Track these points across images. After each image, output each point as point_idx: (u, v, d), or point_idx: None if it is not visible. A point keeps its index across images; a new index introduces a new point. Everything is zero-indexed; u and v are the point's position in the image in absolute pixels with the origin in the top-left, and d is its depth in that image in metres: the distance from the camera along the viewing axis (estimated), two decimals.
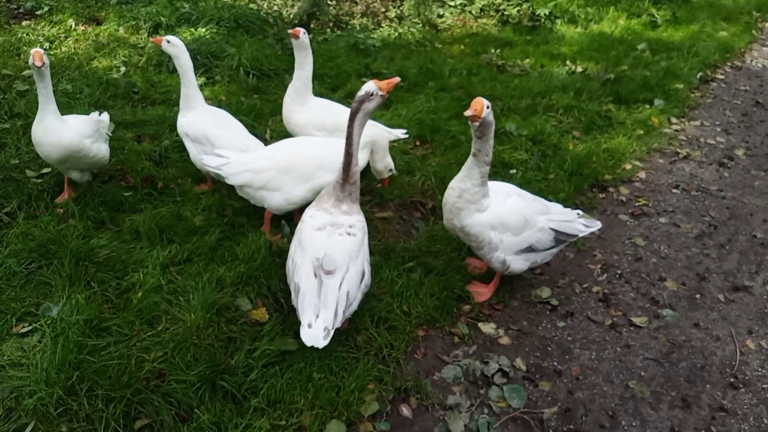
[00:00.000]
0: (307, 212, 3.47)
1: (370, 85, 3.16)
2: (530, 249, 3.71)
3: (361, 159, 3.99)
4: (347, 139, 3.23)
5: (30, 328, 3.37)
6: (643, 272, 4.38)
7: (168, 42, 4.44)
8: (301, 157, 3.99)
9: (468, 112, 3.21)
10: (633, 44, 9.02)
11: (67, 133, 4.09)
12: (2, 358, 3.15)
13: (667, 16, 10.38)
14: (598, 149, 5.77)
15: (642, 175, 5.63)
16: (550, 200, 4.10)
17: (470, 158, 3.44)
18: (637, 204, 5.19)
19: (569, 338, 3.75)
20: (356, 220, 3.37)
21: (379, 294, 3.77)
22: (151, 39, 4.56)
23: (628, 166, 5.69)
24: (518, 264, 3.75)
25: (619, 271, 4.37)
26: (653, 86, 7.36)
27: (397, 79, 3.33)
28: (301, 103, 4.67)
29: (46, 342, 3.21)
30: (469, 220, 3.55)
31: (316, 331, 2.97)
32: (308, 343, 2.96)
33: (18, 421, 2.82)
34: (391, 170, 4.67)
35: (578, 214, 3.94)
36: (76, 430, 2.81)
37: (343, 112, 4.69)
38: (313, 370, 3.17)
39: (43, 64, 3.85)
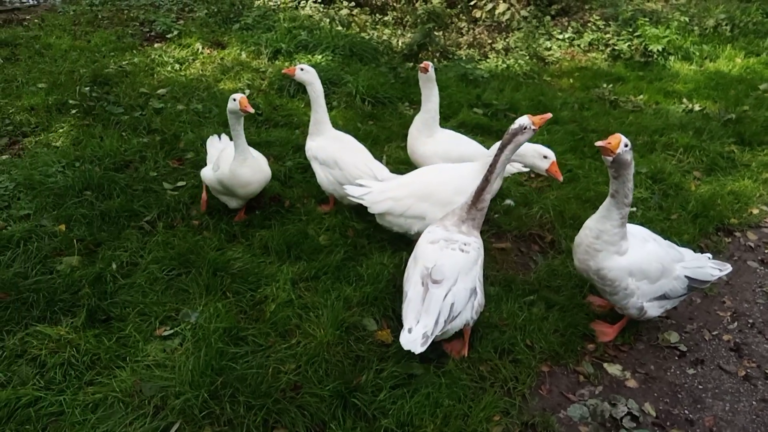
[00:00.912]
0: (429, 227, 3.58)
1: (524, 120, 3.26)
2: (663, 296, 3.61)
3: (496, 184, 4.01)
4: (490, 166, 3.31)
5: (172, 331, 3.58)
6: None
7: (302, 70, 4.66)
8: (437, 182, 4.06)
9: (600, 143, 3.16)
10: (753, 84, 8.63)
11: (266, 166, 4.50)
12: (148, 358, 3.36)
13: None
14: (723, 191, 5.55)
15: None
16: (677, 243, 4.00)
17: (608, 199, 3.35)
18: (766, 251, 4.94)
19: (700, 387, 3.60)
20: (472, 240, 3.45)
21: (501, 325, 3.76)
22: (283, 71, 4.79)
23: (756, 211, 5.43)
24: (654, 311, 3.64)
25: (750, 320, 4.15)
26: None
27: (549, 115, 3.48)
28: (429, 135, 4.74)
29: (188, 346, 3.41)
30: (608, 263, 3.43)
31: (414, 336, 3.03)
32: (405, 347, 3.02)
33: (164, 420, 3.00)
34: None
35: (708, 257, 3.81)
36: None
37: (469, 144, 4.76)
38: (442, 396, 3.19)
39: (250, 111, 4.10)
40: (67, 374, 3.24)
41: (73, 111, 6.16)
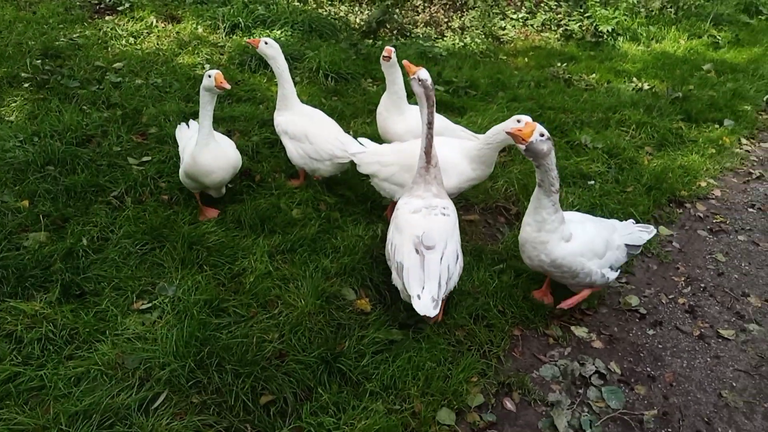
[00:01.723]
0: (401, 201, 3.73)
1: (423, 73, 3.60)
2: (610, 268, 3.77)
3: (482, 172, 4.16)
4: (428, 125, 3.56)
5: (150, 305, 3.57)
6: (726, 287, 4.44)
7: (266, 44, 4.63)
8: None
9: (510, 130, 3.23)
10: (697, 64, 9.05)
11: (232, 152, 4.17)
12: (127, 331, 3.35)
13: (729, 38, 10.37)
14: (673, 165, 5.84)
15: (717, 192, 5.68)
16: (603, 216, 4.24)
17: (536, 189, 3.41)
18: (714, 221, 5.25)
19: (660, 346, 3.84)
20: (448, 203, 3.68)
21: (474, 293, 3.90)
22: (246, 40, 4.73)
23: (703, 183, 5.75)
24: (612, 275, 3.78)
25: (702, 285, 4.44)
26: (722, 107, 7.39)
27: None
28: (398, 113, 4.75)
29: (168, 319, 3.41)
30: (559, 251, 3.50)
31: (425, 301, 3.18)
32: (421, 312, 3.16)
33: (151, 390, 3.01)
34: None
35: (632, 222, 4.02)
36: (207, 401, 2.99)
37: (438, 119, 4.84)
38: (423, 359, 3.31)
39: (227, 87, 3.82)
40: (45, 349, 3.19)
41: (26, 84, 5.93)
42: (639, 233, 3.90)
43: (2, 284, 3.53)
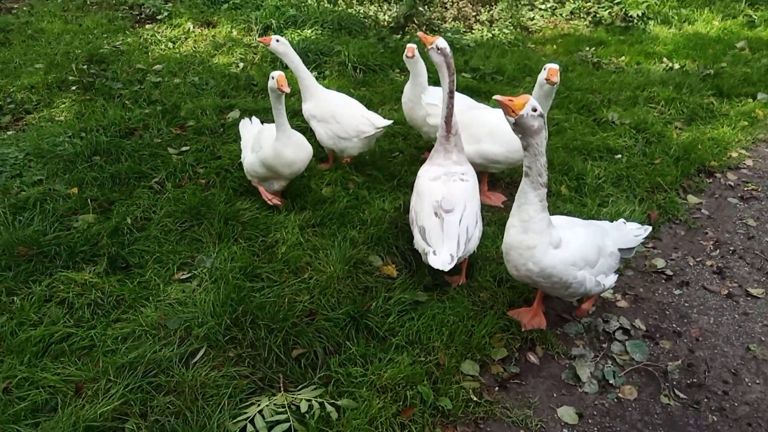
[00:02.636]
0: (422, 169, 3.90)
1: (441, 42, 3.77)
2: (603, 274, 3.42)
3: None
4: (449, 94, 3.72)
5: (189, 275, 3.79)
6: (757, 250, 4.42)
7: (277, 41, 4.85)
8: (477, 121, 4.41)
9: (500, 98, 2.84)
10: (730, 43, 8.91)
11: (307, 143, 4.36)
12: (169, 297, 3.57)
13: (766, 17, 10.16)
14: (703, 137, 5.81)
15: (749, 162, 5.63)
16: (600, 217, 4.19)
17: (523, 179, 3.04)
18: (746, 188, 5.21)
19: (686, 304, 3.86)
20: (467, 169, 3.82)
21: (498, 258, 4.00)
22: (258, 39, 4.96)
23: (734, 154, 5.71)
24: (609, 281, 3.44)
25: (731, 248, 4.43)
26: (755, 81, 7.28)
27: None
28: (421, 102, 4.90)
29: (206, 286, 3.62)
30: (548, 259, 3.10)
31: (442, 257, 3.34)
32: (435, 266, 3.31)
33: (191, 346, 3.21)
34: None
35: (623, 222, 3.67)
36: (242, 354, 3.18)
37: (461, 97, 4.96)
38: (447, 316, 3.43)
39: (286, 91, 3.96)
40: (94, 313, 3.44)
41: (73, 87, 6.32)
42: (632, 235, 3.56)
43: (55, 259, 3.81)
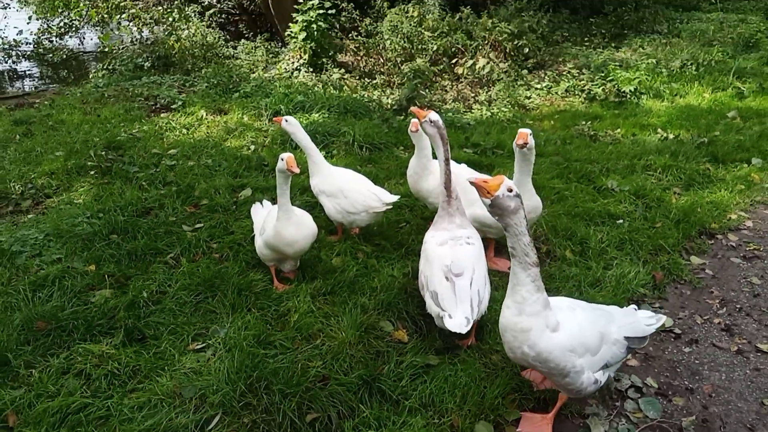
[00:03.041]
0: (428, 235, 4.05)
1: (434, 115, 4.04)
2: (605, 366, 3.19)
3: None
4: (446, 161, 3.94)
5: (203, 345, 3.87)
6: (763, 307, 4.46)
7: (287, 121, 5.14)
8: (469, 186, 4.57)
9: (474, 180, 2.86)
10: (722, 113, 9.24)
11: (311, 222, 4.43)
12: (184, 367, 3.63)
13: (754, 88, 10.57)
14: (702, 201, 5.96)
15: (749, 223, 5.75)
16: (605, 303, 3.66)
17: (511, 260, 2.98)
18: (747, 248, 5.30)
19: (696, 361, 3.88)
20: (472, 232, 3.96)
21: None
22: (273, 119, 5.29)
23: (734, 216, 5.83)
24: (604, 378, 3.21)
25: (738, 306, 4.47)
26: (749, 147, 7.51)
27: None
28: (427, 172, 5.07)
29: (221, 354, 3.69)
30: (544, 343, 2.96)
31: (458, 320, 3.42)
32: (453, 329, 3.39)
33: (206, 413, 3.25)
34: None
35: (635, 308, 3.49)
36: (257, 420, 3.21)
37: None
38: (459, 379, 3.46)
39: (296, 171, 4.05)
40: (111, 384, 3.50)
41: (92, 172, 6.60)
42: (643, 323, 3.32)
43: (73, 333, 3.90)
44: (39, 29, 16.21)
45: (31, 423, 3.21)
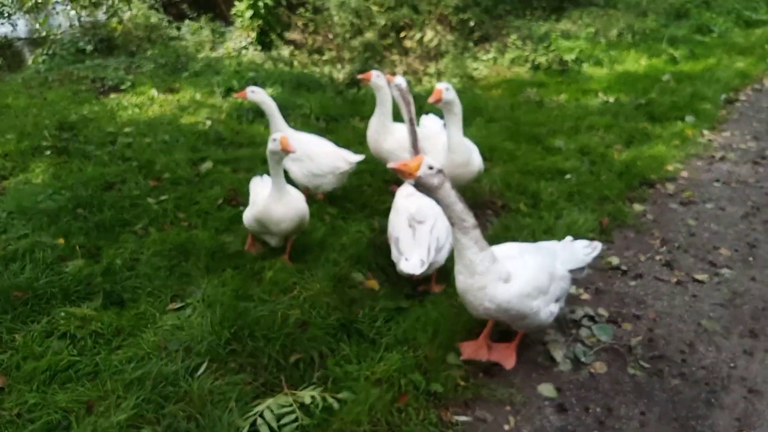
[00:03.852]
0: (399, 189, 4.32)
1: (398, 79, 4.41)
2: (556, 300, 3.44)
3: None
4: (410, 122, 4.26)
5: (182, 305, 4.00)
6: (698, 244, 4.89)
7: (252, 92, 5.25)
8: (429, 141, 5.01)
9: (394, 165, 2.96)
10: (657, 77, 9.78)
11: (302, 204, 4.33)
12: (166, 324, 3.77)
13: (685, 54, 11.18)
14: (642, 155, 6.40)
15: (685, 174, 6.22)
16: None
17: (452, 229, 3.12)
18: (684, 196, 5.75)
19: (641, 293, 4.26)
20: None
21: None
22: (235, 95, 5.38)
23: (671, 168, 6.29)
24: (557, 309, 3.45)
25: (676, 244, 4.89)
26: (682, 107, 8.04)
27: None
28: (387, 132, 5.30)
29: (202, 310, 3.83)
30: (502, 295, 3.13)
31: (413, 262, 3.67)
32: (407, 270, 3.66)
33: (193, 361, 3.41)
34: None
35: (570, 239, 3.74)
36: (243, 364, 3.39)
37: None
38: (431, 317, 3.73)
39: (293, 151, 4.01)
40: (96, 343, 3.61)
41: (47, 152, 6.53)
42: (581, 254, 3.59)
43: (51, 300, 3.97)
44: None
45: (22, 381, 3.30)
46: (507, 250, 3.42)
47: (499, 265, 3.17)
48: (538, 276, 3.26)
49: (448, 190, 2.97)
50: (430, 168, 2.91)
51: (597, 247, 3.67)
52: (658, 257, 4.70)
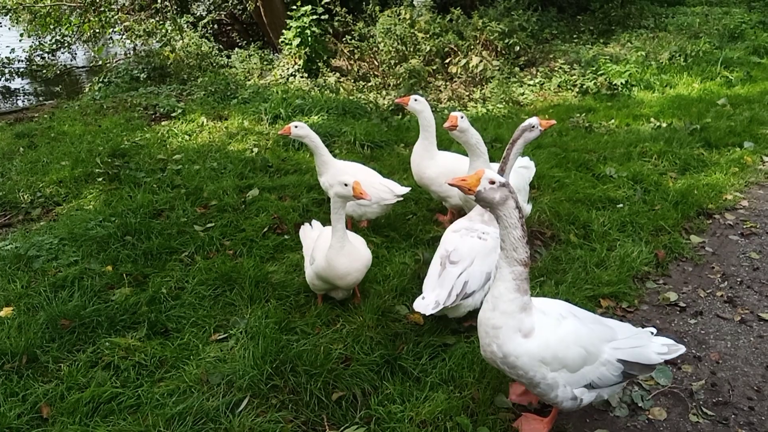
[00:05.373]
0: (455, 221, 4.11)
1: (533, 120, 3.88)
2: (590, 386, 2.90)
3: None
4: (504, 158, 3.90)
5: (225, 335, 3.98)
6: (763, 279, 4.61)
7: (296, 127, 5.25)
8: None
9: (453, 181, 2.78)
10: (712, 101, 9.45)
11: (365, 250, 4.06)
12: (209, 356, 3.74)
13: (741, 76, 10.79)
14: (698, 183, 6.13)
15: (744, 203, 5.92)
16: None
17: (500, 254, 2.83)
18: (744, 226, 5.46)
19: (702, 332, 4.02)
20: (491, 230, 3.93)
21: None
22: (279, 132, 5.42)
23: (730, 197, 6.00)
24: (590, 398, 2.93)
25: (739, 279, 4.63)
26: (740, 132, 7.71)
27: (554, 121, 4.16)
28: (430, 158, 5.22)
29: (244, 342, 3.80)
30: (511, 346, 2.77)
31: (427, 302, 3.56)
32: (417, 309, 3.56)
33: (234, 396, 3.36)
34: None
35: (652, 332, 3.14)
36: (285, 400, 3.32)
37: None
38: (478, 354, 3.58)
39: (368, 198, 3.81)
40: (139, 374, 3.60)
41: (99, 179, 6.70)
42: (653, 351, 2.96)
43: (97, 329, 4.00)
44: (31, 46, 16.28)
45: (65, 413, 3.30)
46: (551, 305, 3.00)
47: (527, 316, 2.81)
48: (568, 347, 2.80)
49: (511, 209, 2.70)
50: (492, 182, 2.69)
51: (678, 350, 3.01)
52: (719, 293, 4.45)
